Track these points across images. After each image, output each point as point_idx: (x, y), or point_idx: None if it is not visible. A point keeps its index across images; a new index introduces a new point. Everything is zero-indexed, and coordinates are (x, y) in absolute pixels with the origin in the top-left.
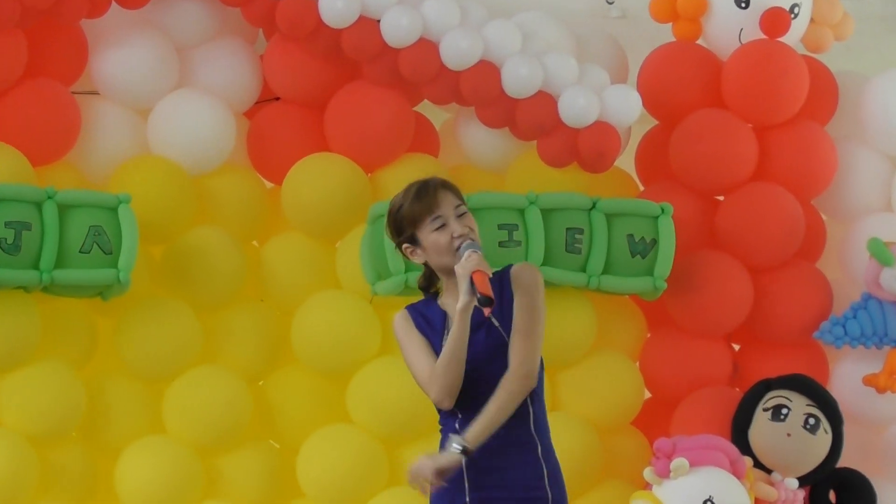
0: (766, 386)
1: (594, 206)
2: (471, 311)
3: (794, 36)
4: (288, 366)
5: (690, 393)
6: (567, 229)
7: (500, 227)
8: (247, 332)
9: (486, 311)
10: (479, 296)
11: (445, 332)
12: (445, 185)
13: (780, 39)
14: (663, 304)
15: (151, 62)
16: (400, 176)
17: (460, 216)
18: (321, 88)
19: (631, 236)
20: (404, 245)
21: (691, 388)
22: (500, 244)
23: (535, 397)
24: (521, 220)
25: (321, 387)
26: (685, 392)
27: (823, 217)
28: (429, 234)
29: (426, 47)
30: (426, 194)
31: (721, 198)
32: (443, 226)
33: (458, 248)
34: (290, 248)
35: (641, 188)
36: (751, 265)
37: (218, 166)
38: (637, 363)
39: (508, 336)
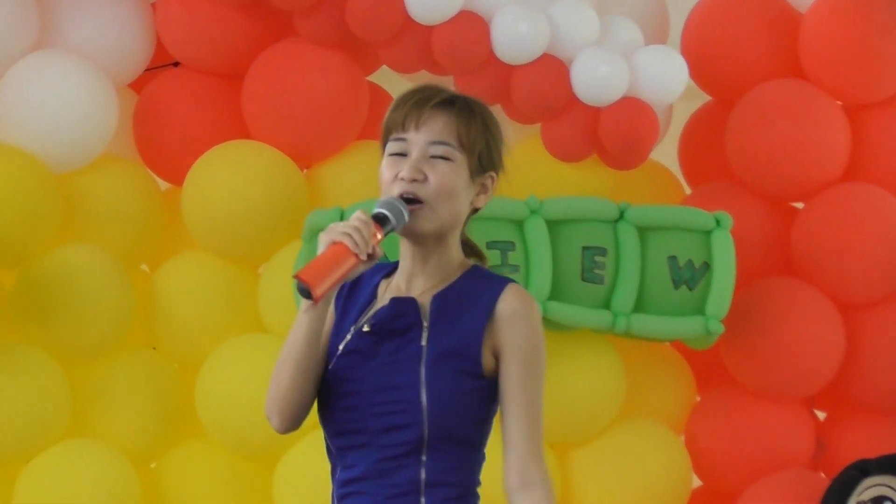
0: (863, 470)
1: (622, 215)
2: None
3: None
4: (189, 441)
5: (756, 479)
6: (584, 249)
7: (490, 245)
8: (133, 392)
9: (308, 305)
10: (296, 281)
11: (361, 318)
12: (453, 103)
13: None
14: (718, 354)
15: None
16: (346, 173)
17: (433, 158)
18: (237, 50)
19: (673, 259)
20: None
21: (757, 473)
22: (490, 269)
23: (439, 456)
24: (518, 236)
25: (236, 471)
26: (749, 478)
27: None
28: (384, 158)
29: (471, 23)
30: (409, 103)
31: (799, 205)
32: (401, 155)
33: (397, 196)
34: (192, 274)
35: (688, 191)
36: (841, 300)
37: (92, 160)
38: (682, 437)
39: (429, 359)
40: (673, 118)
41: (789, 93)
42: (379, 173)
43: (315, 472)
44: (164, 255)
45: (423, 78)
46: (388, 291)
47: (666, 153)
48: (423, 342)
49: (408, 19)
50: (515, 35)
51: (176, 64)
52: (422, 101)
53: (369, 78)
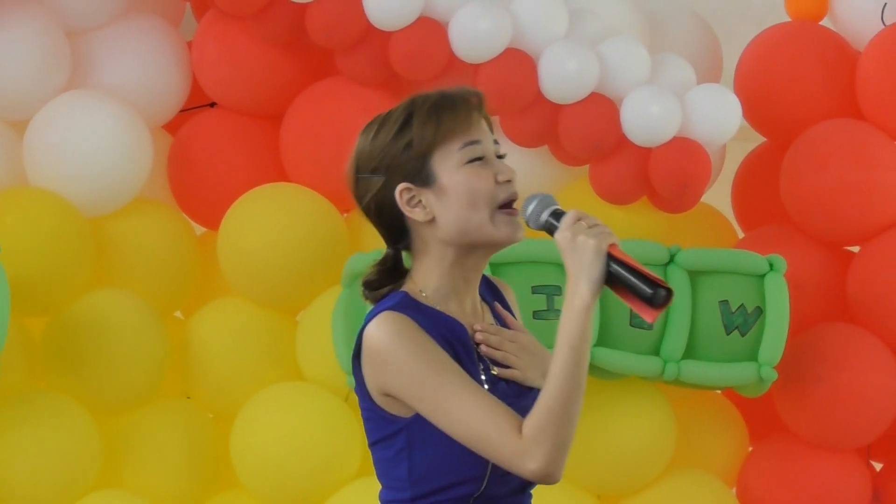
0: None
1: (672, 259)
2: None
3: None
4: (225, 493)
5: None
6: None
7: (535, 290)
8: (166, 443)
9: (653, 317)
10: (651, 290)
11: (481, 363)
12: (481, 108)
13: None
14: (772, 402)
15: (30, 52)
16: None
17: (500, 157)
18: (276, 89)
19: (725, 303)
20: (400, 186)
21: None
22: (535, 315)
23: None
24: (564, 281)
25: None
26: None
27: None
28: (456, 168)
29: (429, 28)
30: (462, 103)
31: (855, 248)
32: (481, 159)
33: (507, 202)
34: (228, 321)
35: (741, 234)
36: None
37: (126, 203)
38: (734, 489)
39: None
40: (726, 159)
41: (846, 133)
42: (462, 183)
43: None
44: (199, 301)
45: None
46: (462, 316)
47: (719, 195)
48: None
49: (453, 57)
50: (565, 73)
51: (212, 104)
52: (471, 102)
53: None
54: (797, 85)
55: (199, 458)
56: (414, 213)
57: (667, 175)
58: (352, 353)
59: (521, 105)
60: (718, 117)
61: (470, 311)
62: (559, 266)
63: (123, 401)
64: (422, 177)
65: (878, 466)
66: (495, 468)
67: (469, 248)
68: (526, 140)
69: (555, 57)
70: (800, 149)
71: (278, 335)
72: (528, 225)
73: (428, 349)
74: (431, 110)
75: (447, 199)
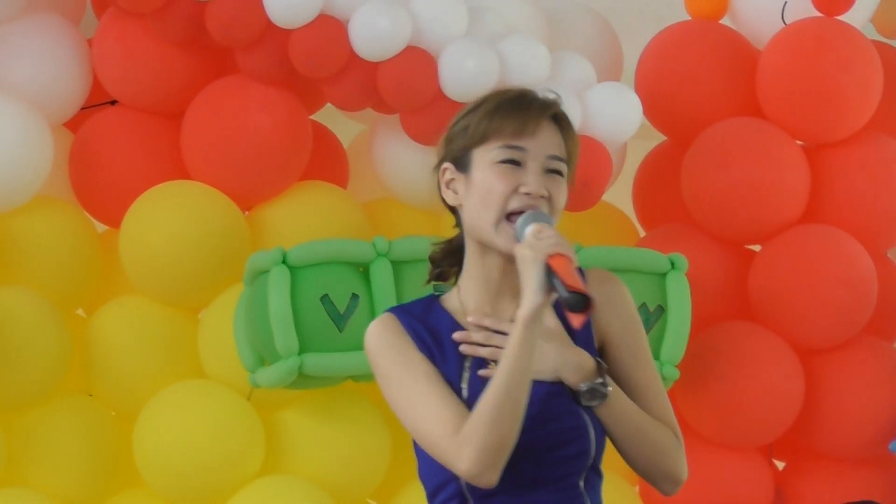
0: None
1: None
2: (541, 321)
3: (861, 13)
4: (128, 491)
5: None
6: None
7: (437, 287)
8: (68, 441)
9: (578, 321)
10: (566, 294)
11: (466, 361)
12: (560, 119)
13: (840, 18)
14: (674, 400)
15: None
16: (289, 214)
17: (550, 172)
18: (176, 87)
19: None
20: (445, 164)
21: None
22: None
23: (594, 482)
24: None
25: None
26: None
27: None
28: (488, 165)
29: (329, 26)
30: (527, 107)
31: (757, 247)
32: (515, 164)
33: (516, 211)
34: (130, 319)
35: (642, 233)
36: (800, 344)
37: (27, 201)
38: (637, 487)
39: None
40: (627, 158)
41: (747, 132)
42: (483, 179)
43: None
44: (100, 299)
45: (369, 116)
46: (458, 316)
47: (620, 194)
48: None
49: (353, 56)
50: (464, 71)
51: (113, 102)
52: (537, 109)
53: (313, 117)
54: (698, 83)
55: (102, 455)
56: (446, 195)
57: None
58: None
59: (421, 103)
60: (619, 115)
61: (504, 311)
62: None
63: (25, 398)
64: (462, 162)
65: (780, 465)
66: None
67: (484, 247)
68: (427, 138)
69: (455, 55)
70: (701, 147)
71: (180, 333)
72: (518, 240)
73: (399, 352)
74: (496, 106)
75: (470, 191)
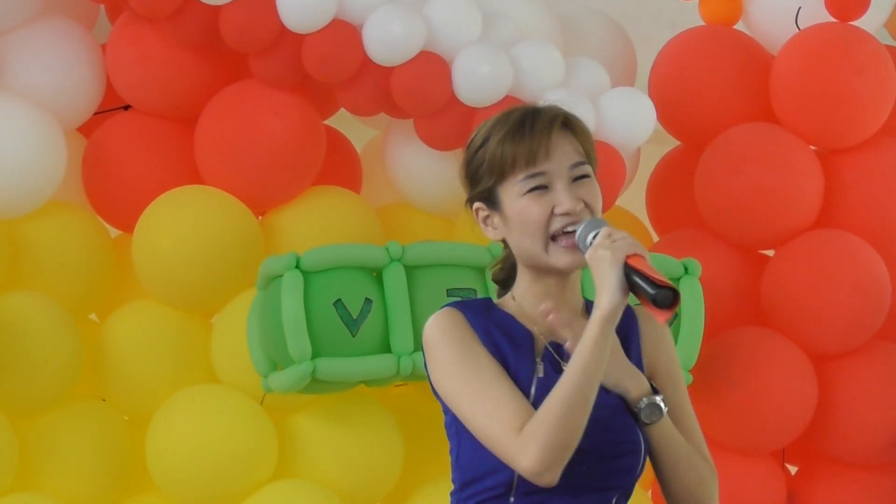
0: None
1: None
2: (618, 318)
3: (875, 19)
4: (140, 495)
5: None
6: None
7: (451, 293)
8: (81, 445)
9: (665, 317)
10: (654, 290)
11: (539, 361)
12: (568, 124)
13: (854, 23)
14: None
15: None
16: (302, 219)
17: (577, 180)
18: (190, 92)
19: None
20: (476, 204)
21: None
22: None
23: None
24: (481, 283)
25: None
26: None
27: None
28: (516, 198)
29: (343, 31)
30: (531, 131)
31: (770, 252)
32: (542, 188)
33: (560, 232)
34: (143, 324)
35: (655, 238)
36: (813, 350)
37: (40, 206)
38: (649, 491)
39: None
40: (640, 163)
41: (760, 137)
42: (519, 213)
43: None
44: (113, 304)
45: (382, 121)
46: (538, 326)
47: (633, 199)
48: None
49: (366, 61)
50: (479, 76)
51: (127, 107)
52: (544, 127)
53: (326, 122)
54: (711, 89)
55: (114, 460)
56: (487, 232)
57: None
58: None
59: (435, 108)
60: (632, 121)
61: (560, 328)
62: (475, 269)
63: (38, 403)
64: (491, 200)
65: (793, 470)
66: None
67: (539, 271)
68: (440, 143)
69: (469, 60)
70: (714, 153)
71: (193, 338)
72: (581, 251)
73: (465, 345)
74: (503, 139)
75: (510, 226)
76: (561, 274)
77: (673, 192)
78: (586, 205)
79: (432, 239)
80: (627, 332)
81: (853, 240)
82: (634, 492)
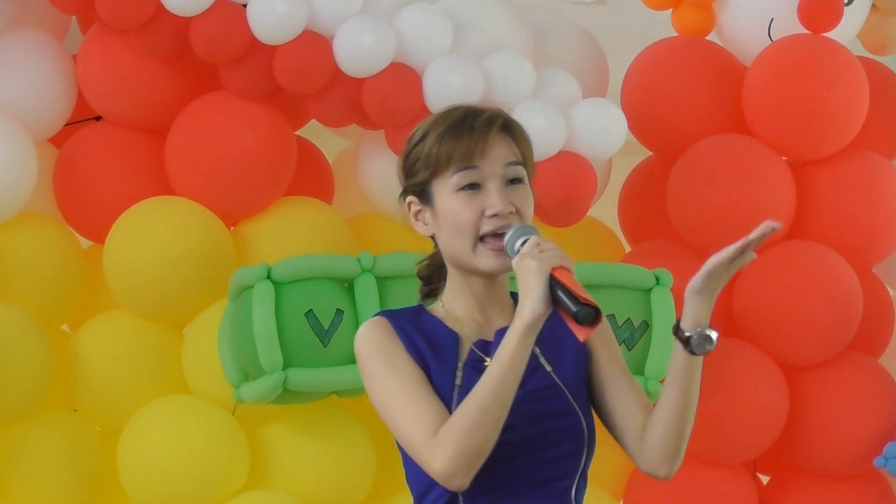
0: None
1: None
2: (539, 328)
3: (847, 30)
4: None
5: None
6: None
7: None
8: (53, 456)
9: (584, 334)
10: (576, 307)
11: (460, 366)
12: (508, 126)
13: (827, 35)
14: None
15: None
16: (273, 230)
17: (511, 182)
18: (161, 103)
19: (612, 318)
20: (409, 197)
21: None
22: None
23: (581, 489)
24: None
25: None
26: None
27: (890, 291)
28: (449, 194)
29: (314, 43)
30: (470, 129)
31: None
32: (475, 187)
33: (489, 234)
34: (115, 334)
35: (627, 249)
36: (785, 361)
37: (11, 217)
38: (621, 502)
39: (565, 385)
40: (612, 173)
41: (732, 148)
42: (449, 210)
43: None
44: (85, 314)
45: (353, 132)
46: (466, 326)
47: (605, 210)
48: (549, 369)
49: (337, 72)
50: (449, 87)
51: (98, 118)
52: (483, 126)
53: (298, 133)
54: (684, 100)
55: (86, 471)
56: (417, 227)
57: (553, 189)
58: None
59: (406, 119)
60: (604, 131)
61: (492, 323)
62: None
63: (9, 413)
64: (424, 195)
65: (765, 480)
66: None
67: (465, 272)
68: None
69: (439, 71)
70: (686, 164)
71: (165, 348)
72: (508, 256)
73: (388, 353)
74: (441, 134)
75: (440, 222)
76: (487, 276)
77: (645, 202)
78: (517, 210)
79: (404, 250)
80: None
81: (825, 251)
82: (606, 503)
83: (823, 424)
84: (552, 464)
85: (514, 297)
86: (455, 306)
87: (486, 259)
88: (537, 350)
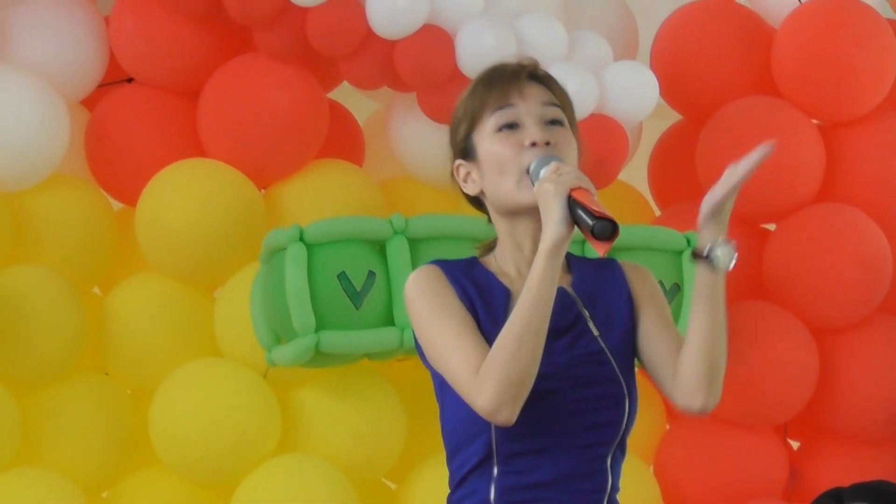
0: (837, 499)
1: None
2: (565, 251)
3: None
4: (144, 470)
5: None
6: None
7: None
8: (84, 419)
9: (604, 248)
10: (593, 221)
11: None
12: (536, 75)
13: None
14: None
15: None
16: (305, 192)
17: (549, 125)
18: (193, 65)
19: None
20: (456, 161)
21: (729, 503)
22: None
23: (618, 459)
24: None
25: (191, 499)
26: None
27: None
28: (488, 137)
29: (346, 4)
30: (500, 74)
31: (772, 226)
32: (513, 126)
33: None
34: (146, 297)
35: (658, 212)
36: (815, 324)
37: (43, 179)
38: (651, 466)
39: (611, 353)
40: (642, 137)
41: (762, 110)
42: (489, 153)
43: (272, 498)
44: (116, 277)
45: (385, 94)
46: (517, 283)
47: (635, 173)
48: (596, 334)
49: (370, 34)
50: (481, 49)
51: (130, 80)
52: (514, 71)
53: (329, 95)
54: (713, 62)
55: (118, 434)
56: (466, 188)
57: (584, 152)
58: None
59: (438, 81)
60: (635, 94)
61: (513, 275)
62: (478, 242)
63: (41, 377)
64: (468, 151)
65: (795, 445)
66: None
67: (512, 216)
68: (443, 116)
69: (472, 33)
70: (716, 126)
71: (196, 311)
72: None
73: (438, 297)
74: (472, 88)
75: (485, 170)
76: (530, 214)
77: (675, 166)
78: (556, 145)
79: (435, 211)
80: (612, 281)
81: (855, 213)
82: (636, 467)
83: (854, 388)
84: (591, 431)
85: (569, 259)
86: (507, 263)
87: (525, 192)
88: (586, 314)
